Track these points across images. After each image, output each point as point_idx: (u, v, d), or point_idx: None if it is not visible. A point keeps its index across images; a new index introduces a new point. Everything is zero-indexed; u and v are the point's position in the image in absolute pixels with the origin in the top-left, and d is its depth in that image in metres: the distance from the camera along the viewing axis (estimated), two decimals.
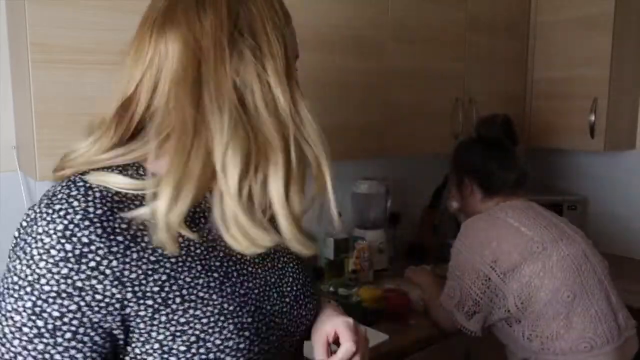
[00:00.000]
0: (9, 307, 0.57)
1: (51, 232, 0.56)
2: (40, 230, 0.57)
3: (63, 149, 1.12)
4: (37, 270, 0.56)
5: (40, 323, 0.56)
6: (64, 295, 0.56)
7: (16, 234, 0.61)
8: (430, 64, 1.86)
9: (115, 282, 0.57)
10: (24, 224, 0.60)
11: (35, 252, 0.56)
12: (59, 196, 0.58)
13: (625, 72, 2.12)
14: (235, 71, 0.60)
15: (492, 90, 2.12)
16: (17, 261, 0.57)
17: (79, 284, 0.56)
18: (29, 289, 0.56)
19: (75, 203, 0.57)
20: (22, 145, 1.26)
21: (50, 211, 0.57)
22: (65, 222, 0.56)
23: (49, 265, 0.56)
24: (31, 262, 0.56)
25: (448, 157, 1.65)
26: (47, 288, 0.56)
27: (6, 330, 0.56)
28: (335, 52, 1.56)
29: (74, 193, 0.58)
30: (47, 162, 1.11)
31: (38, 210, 0.58)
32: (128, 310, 0.58)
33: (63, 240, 0.56)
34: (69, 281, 0.56)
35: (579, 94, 2.11)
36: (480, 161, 1.52)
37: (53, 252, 0.56)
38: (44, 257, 0.56)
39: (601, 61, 2.04)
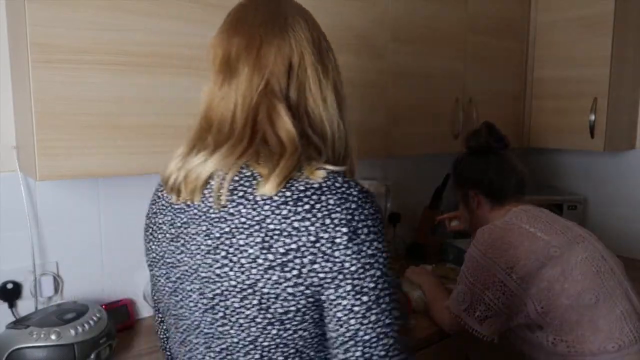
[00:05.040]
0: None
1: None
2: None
3: (63, 149, 1.13)
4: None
5: None
6: None
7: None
8: (430, 64, 1.86)
9: None
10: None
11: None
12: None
13: (625, 72, 2.12)
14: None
15: (492, 90, 2.12)
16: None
17: None
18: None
19: None
20: (22, 145, 1.26)
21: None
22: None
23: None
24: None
25: (448, 157, 1.66)
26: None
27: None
28: (335, 52, 1.56)
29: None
30: (47, 162, 1.10)
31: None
32: None
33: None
34: None
35: (579, 94, 2.11)
36: (478, 172, 1.53)
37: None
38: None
39: (601, 61, 2.04)
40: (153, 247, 0.79)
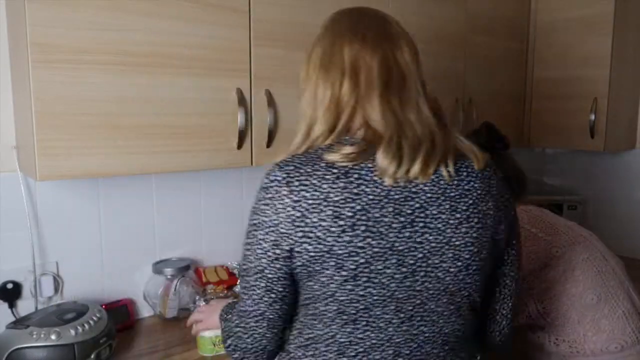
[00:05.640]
0: None
1: None
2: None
3: (63, 149, 1.13)
4: None
5: None
6: None
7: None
8: (430, 64, 1.86)
9: None
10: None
11: None
12: None
13: (625, 72, 2.12)
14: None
15: (492, 90, 2.11)
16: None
17: None
18: None
19: None
20: (22, 145, 1.26)
21: None
22: None
23: None
24: None
25: None
26: None
27: None
28: None
29: None
30: (47, 162, 1.10)
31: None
32: None
33: None
34: None
35: (579, 94, 2.11)
36: None
37: None
38: None
39: (601, 61, 2.04)
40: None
